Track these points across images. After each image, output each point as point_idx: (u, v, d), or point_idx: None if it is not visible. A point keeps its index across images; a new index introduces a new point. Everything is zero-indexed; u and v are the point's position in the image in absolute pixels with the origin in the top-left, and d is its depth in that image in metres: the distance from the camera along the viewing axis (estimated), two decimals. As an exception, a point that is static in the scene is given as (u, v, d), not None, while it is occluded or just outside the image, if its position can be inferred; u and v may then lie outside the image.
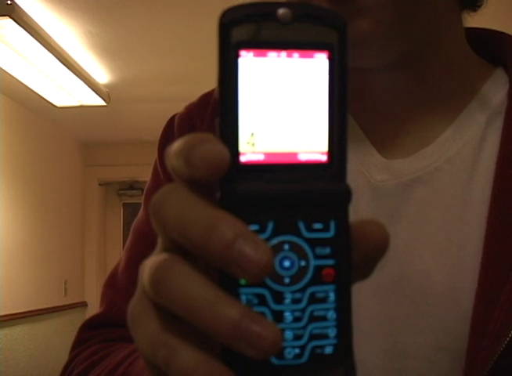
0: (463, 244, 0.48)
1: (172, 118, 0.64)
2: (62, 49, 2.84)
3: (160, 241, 0.28)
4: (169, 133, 0.63)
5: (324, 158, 0.26)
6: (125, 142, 4.77)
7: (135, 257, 0.61)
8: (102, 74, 3.33)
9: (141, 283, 0.28)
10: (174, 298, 0.26)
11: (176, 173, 0.27)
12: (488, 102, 0.52)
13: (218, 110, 0.26)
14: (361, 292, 0.49)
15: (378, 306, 0.49)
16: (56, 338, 4.04)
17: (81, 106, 3.60)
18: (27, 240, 3.88)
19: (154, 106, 3.80)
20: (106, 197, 5.16)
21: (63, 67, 2.92)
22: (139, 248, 0.61)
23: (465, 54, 0.54)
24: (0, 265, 3.49)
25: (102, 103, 3.54)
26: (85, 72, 3.16)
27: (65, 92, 3.32)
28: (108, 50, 2.99)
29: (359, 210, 0.51)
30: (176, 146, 0.26)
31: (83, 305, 4.67)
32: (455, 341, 0.46)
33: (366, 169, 0.52)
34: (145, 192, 0.65)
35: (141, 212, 0.64)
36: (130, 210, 5.09)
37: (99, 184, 5.03)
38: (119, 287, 0.62)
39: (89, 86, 3.24)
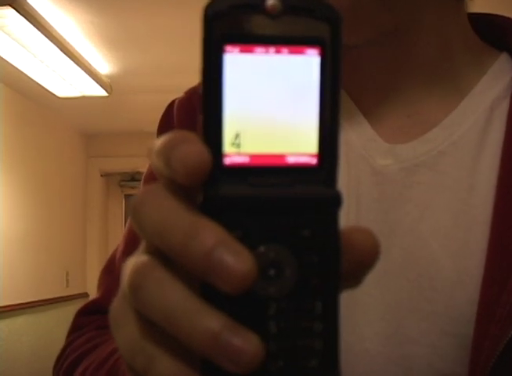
0: (469, 228, 0.47)
1: (171, 103, 0.63)
2: (64, 39, 2.84)
3: (142, 242, 0.27)
4: (168, 119, 0.62)
5: (314, 161, 0.25)
6: (127, 133, 4.75)
7: (132, 243, 0.59)
8: (105, 65, 3.31)
9: (122, 285, 0.27)
10: (151, 307, 0.24)
11: (157, 173, 0.25)
12: (493, 86, 0.52)
13: (202, 108, 0.24)
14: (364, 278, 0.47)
15: (382, 292, 0.48)
16: (58, 329, 4.03)
17: (83, 97, 3.60)
18: (28, 231, 3.88)
19: (156, 97, 3.77)
20: (107, 188, 5.15)
21: (65, 58, 2.91)
22: (136, 235, 0.60)
23: (467, 38, 0.53)
24: (2, 256, 3.50)
25: (104, 93, 3.53)
26: (87, 62, 3.15)
27: (67, 82, 3.31)
28: (110, 40, 2.98)
29: (363, 195, 0.50)
30: (158, 144, 0.24)
31: (85, 296, 4.67)
32: (461, 326, 0.45)
33: (369, 154, 0.51)
34: (143, 179, 0.63)
35: None
36: (132, 201, 5.09)
37: (101, 175, 5.02)
38: (116, 273, 0.61)
39: (91, 77, 3.23)
